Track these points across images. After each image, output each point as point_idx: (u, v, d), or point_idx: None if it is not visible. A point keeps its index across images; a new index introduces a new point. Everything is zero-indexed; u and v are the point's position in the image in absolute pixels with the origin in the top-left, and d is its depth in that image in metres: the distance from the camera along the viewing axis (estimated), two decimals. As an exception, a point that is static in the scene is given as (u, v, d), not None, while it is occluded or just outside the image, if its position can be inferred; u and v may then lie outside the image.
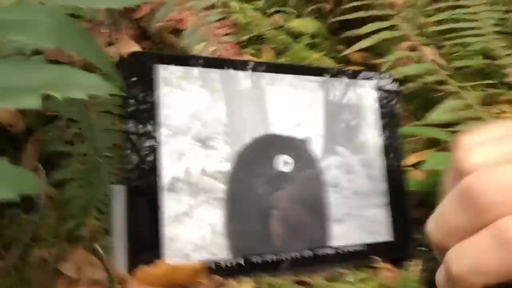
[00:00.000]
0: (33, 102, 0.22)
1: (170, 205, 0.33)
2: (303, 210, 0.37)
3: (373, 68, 0.66)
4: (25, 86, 0.23)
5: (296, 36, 0.68)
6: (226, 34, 0.58)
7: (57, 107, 0.41)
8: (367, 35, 0.64)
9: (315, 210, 0.38)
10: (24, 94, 0.22)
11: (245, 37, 0.66)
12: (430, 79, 0.56)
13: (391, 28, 0.67)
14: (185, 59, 0.36)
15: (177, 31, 0.61)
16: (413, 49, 0.63)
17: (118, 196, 0.33)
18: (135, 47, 0.53)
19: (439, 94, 0.62)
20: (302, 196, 0.38)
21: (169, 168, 0.33)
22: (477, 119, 0.50)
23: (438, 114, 0.49)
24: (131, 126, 0.33)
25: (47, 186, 0.31)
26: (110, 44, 0.53)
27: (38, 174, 0.31)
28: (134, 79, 0.34)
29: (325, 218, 0.39)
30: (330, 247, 0.38)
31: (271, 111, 0.38)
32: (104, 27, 0.55)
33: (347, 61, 0.68)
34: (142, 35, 0.60)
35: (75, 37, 0.28)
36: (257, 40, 0.68)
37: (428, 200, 0.47)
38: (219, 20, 0.59)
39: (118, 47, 0.51)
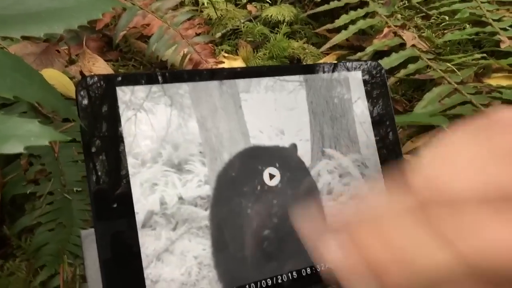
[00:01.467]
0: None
1: (148, 243, 0.30)
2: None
3: (360, 49, 0.63)
4: None
5: (273, 25, 0.64)
6: (198, 34, 0.54)
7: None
8: (345, 25, 0.61)
9: (310, 223, 0.35)
10: None
11: (218, 34, 0.62)
12: (412, 67, 0.53)
13: (367, 15, 0.64)
14: (147, 77, 0.32)
15: (145, 37, 0.57)
16: (393, 34, 0.60)
17: (88, 241, 0.29)
18: (99, 61, 0.49)
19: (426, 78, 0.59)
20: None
21: (142, 202, 0.30)
22: (465, 103, 0.47)
23: (424, 106, 0.45)
24: (94, 160, 0.29)
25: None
26: (71, 62, 0.49)
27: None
28: (92, 107, 0.30)
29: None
30: (331, 260, 0.35)
31: (249, 121, 0.35)
32: (63, 44, 0.51)
33: (331, 46, 0.65)
34: (107, 46, 0.56)
35: (14, 78, 0.25)
36: (232, 35, 0.64)
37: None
38: (189, 19, 0.55)
39: (79, 64, 0.47)
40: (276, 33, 0.62)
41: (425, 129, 0.53)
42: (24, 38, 0.40)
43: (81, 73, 0.45)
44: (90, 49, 0.51)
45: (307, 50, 0.60)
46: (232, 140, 0.34)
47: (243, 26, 0.64)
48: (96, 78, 0.30)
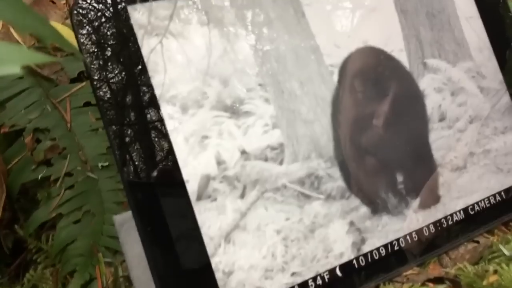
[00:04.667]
0: None
1: (209, 221, 0.20)
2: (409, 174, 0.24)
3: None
4: None
5: None
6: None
7: (16, 119, 0.29)
8: None
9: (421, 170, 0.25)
10: None
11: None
12: None
13: None
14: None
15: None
16: None
17: (126, 229, 0.21)
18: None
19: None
20: (402, 155, 0.25)
21: (191, 165, 0.21)
22: None
23: None
24: (114, 115, 0.20)
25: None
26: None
27: None
28: (98, 39, 0.21)
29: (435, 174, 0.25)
30: (458, 212, 0.25)
31: (319, 33, 0.24)
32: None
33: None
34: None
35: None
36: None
37: None
38: None
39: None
40: None
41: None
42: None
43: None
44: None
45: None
46: (300, 61, 0.24)
47: None
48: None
